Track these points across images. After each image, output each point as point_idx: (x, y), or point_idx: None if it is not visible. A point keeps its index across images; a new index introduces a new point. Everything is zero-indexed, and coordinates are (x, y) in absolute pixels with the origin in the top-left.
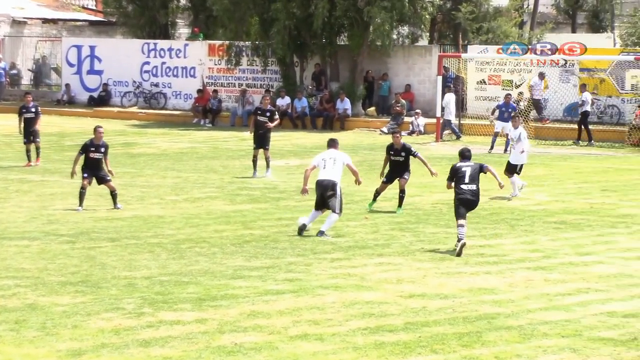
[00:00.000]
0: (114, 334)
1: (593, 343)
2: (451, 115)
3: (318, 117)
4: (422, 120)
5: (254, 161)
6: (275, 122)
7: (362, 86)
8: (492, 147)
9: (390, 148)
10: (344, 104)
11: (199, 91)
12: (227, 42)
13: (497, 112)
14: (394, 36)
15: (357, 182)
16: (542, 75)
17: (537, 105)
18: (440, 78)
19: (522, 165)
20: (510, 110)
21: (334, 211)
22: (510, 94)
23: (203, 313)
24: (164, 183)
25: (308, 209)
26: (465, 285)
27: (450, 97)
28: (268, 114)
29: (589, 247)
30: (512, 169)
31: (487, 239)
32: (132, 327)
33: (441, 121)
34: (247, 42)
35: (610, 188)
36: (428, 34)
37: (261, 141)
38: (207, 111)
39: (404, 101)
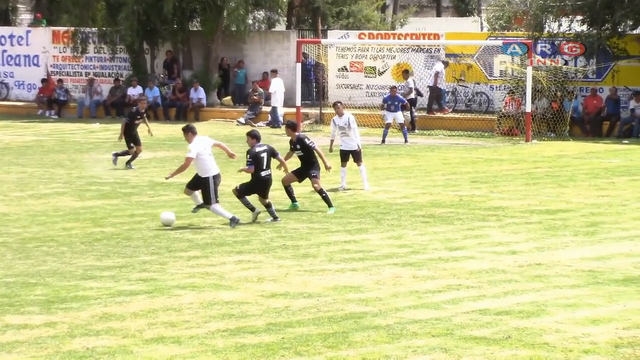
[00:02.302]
0: None
1: (465, 342)
2: (278, 103)
3: (171, 107)
4: (280, 110)
5: (134, 155)
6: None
7: (217, 74)
8: (383, 140)
9: (290, 142)
10: (198, 94)
11: (43, 81)
12: (72, 28)
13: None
14: (250, 21)
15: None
16: (446, 63)
17: (438, 93)
18: (299, 65)
19: (357, 153)
20: (397, 102)
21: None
22: (395, 87)
23: (52, 316)
24: (7, 179)
25: (163, 204)
26: (329, 283)
27: (278, 83)
28: (146, 115)
29: (459, 242)
30: (344, 157)
31: (352, 234)
32: None
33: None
34: (93, 29)
35: (480, 179)
36: (286, 18)
37: (136, 141)
38: (52, 102)
39: (261, 90)
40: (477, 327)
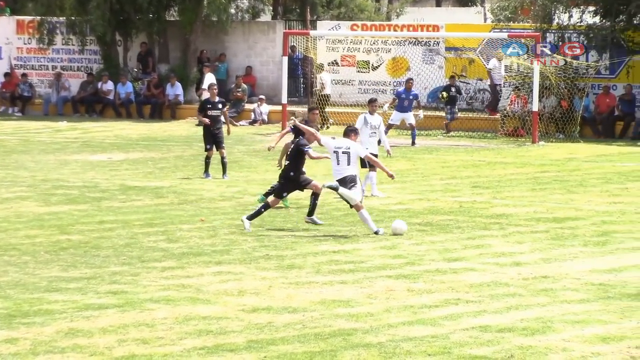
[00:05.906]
0: None
1: None
2: None
3: (145, 104)
4: (265, 108)
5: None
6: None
7: (196, 68)
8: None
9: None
10: (175, 89)
11: (5, 75)
12: (39, 17)
13: (396, 101)
14: (232, 10)
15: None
16: (501, 58)
17: (495, 91)
18: (285, 59)
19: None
20: (412, 98)
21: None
22: (412, 79)
23: (13, 332)
24: None
25: (136, 210)
26: (316, 297)
27: (210, 78)
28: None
29: (459, 252)
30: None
31: (341, 244)
32: None
33: None
34: (61, 18)
35: (481, 184)
36: (271, 8)
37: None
38: (15, 98)
39: (244, 85)
40: (477, 345)
